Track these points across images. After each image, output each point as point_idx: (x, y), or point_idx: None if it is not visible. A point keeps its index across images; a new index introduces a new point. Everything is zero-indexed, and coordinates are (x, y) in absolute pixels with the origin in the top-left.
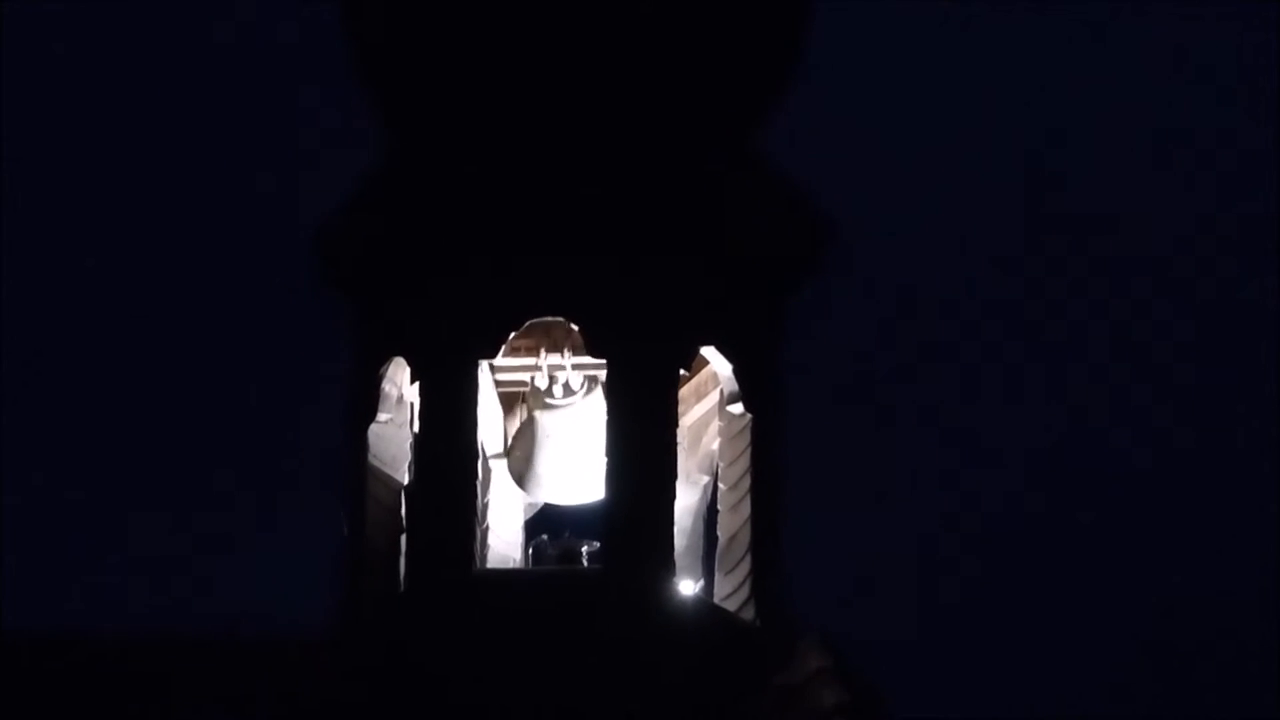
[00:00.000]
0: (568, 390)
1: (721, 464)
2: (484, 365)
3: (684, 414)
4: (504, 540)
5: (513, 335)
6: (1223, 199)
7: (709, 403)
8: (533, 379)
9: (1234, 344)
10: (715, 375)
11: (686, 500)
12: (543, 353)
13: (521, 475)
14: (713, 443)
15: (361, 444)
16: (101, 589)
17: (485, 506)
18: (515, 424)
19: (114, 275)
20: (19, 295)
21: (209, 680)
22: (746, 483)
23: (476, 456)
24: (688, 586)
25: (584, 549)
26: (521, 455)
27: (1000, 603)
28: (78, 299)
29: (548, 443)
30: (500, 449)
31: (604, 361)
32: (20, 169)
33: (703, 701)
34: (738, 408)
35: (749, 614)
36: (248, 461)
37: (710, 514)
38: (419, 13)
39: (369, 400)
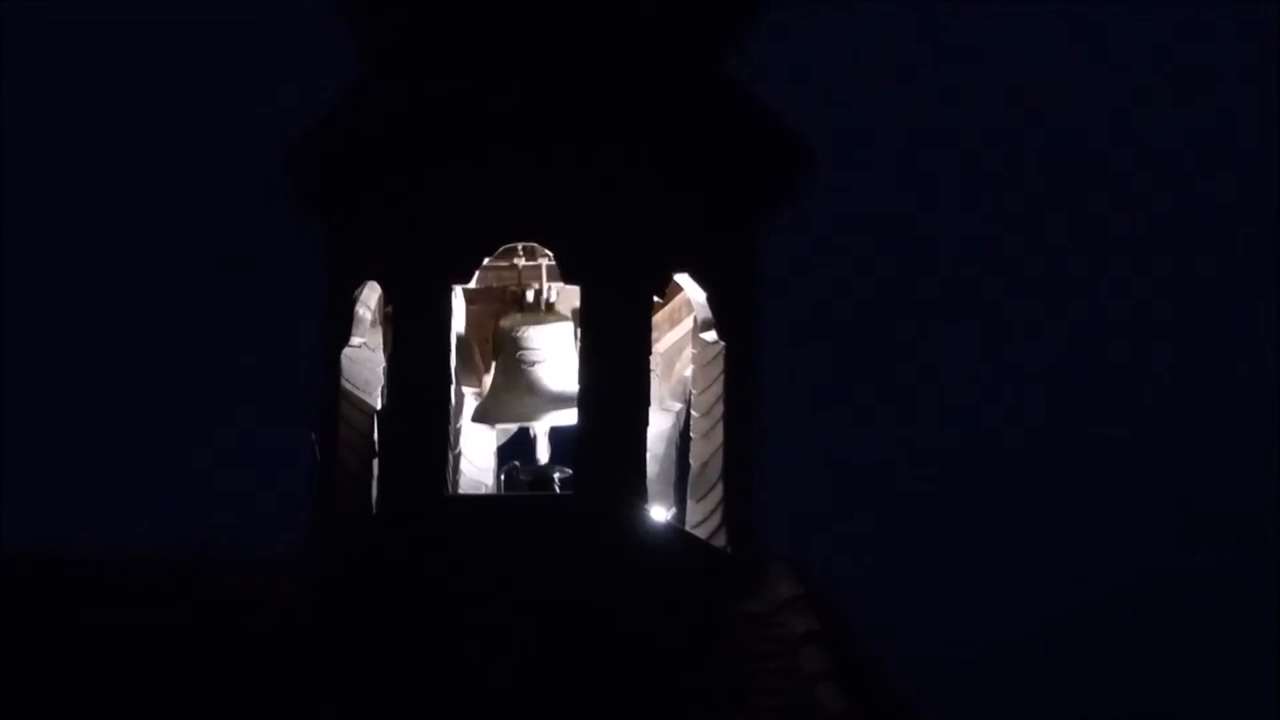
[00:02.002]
0: (549, 308)
1: (695, 391)
2: (457, 290)
3: (657, 340)
4: (476, 466)
5: (487, 261)
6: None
7: (682, 329)
8: (509, 289)
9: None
10: (689, 302)
11: (659, 427)
12: (519, 265)
13: (495, 396)
14: (686, 370)
15: (335, 368)
16: (75, 508)
17: (458, 432)
18: (489, 348)
19: (100, 204)
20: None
21: (181, 598)
22: (719, 410)
23: (450, 382)
24: (659, 513)
25: (556, 475)
26: (496, 376)
27: (977, 529)
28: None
29: (522, 363)
30: (473, 374)
31: (577, 289)
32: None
33: (672, 629)
34: (711, 335)
35: (720, 541)
36: (221, 384)
37: (683, 441)
38: None
39: (342, 324)
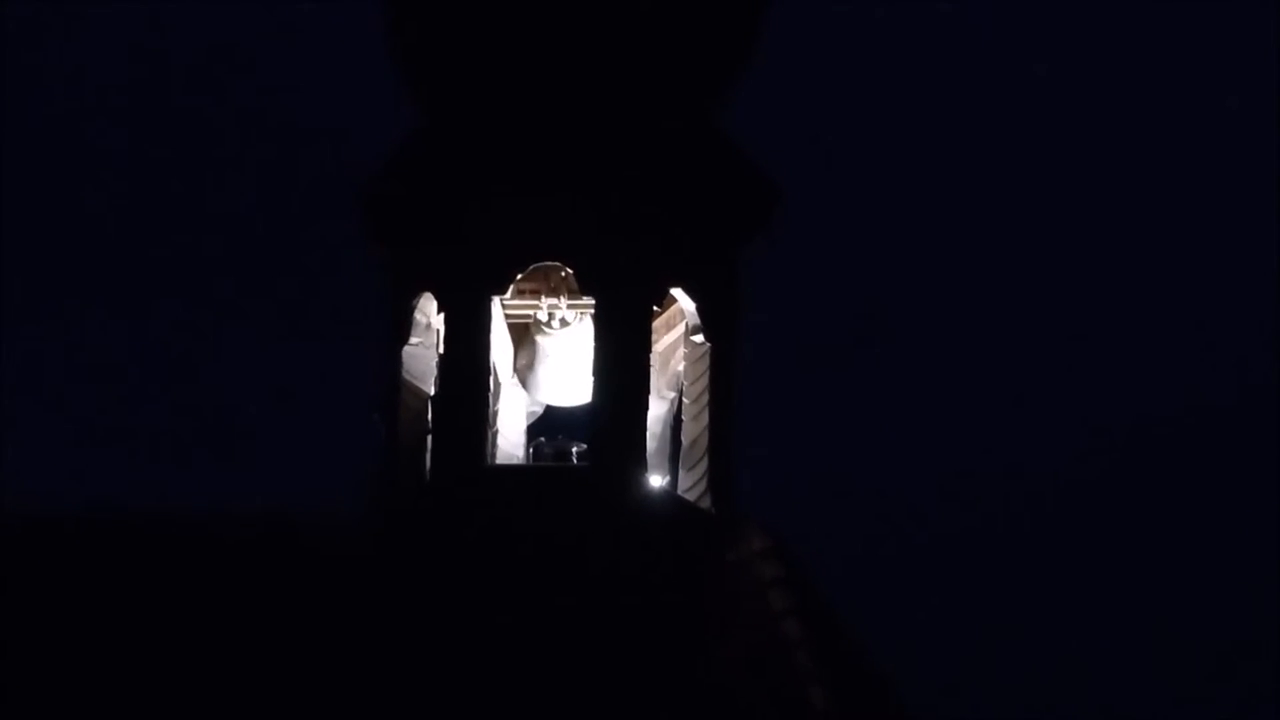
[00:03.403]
0: (563, 323)
1: (686, 382)
2: (496, 300)
3: (656, 342)
4: (510, 442)
5: (520, 277)
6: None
7: (676, 333)
8: (535, 314)
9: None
10: (682, 311)
11: (657, 411)
12: (543, 297)
13: (525, 382)
14: (679, 365)
15: (397, 362)
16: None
17: (495, 414)
18: (522, 347)
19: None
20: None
21: (268, 552)
22: (705, 398)
23: (488, 373)
24: (657, 480)
25: (574, 449)
26: (525, 367)
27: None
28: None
29: (547, 358)
30: (509, 367)
31: (592, 300)
32: None
33: (667, 574)
34: (699, 337)
35: (706, 504)
36: (304, 376)
37: (676, 423)
38: (446, 22)
39: (403, 327)
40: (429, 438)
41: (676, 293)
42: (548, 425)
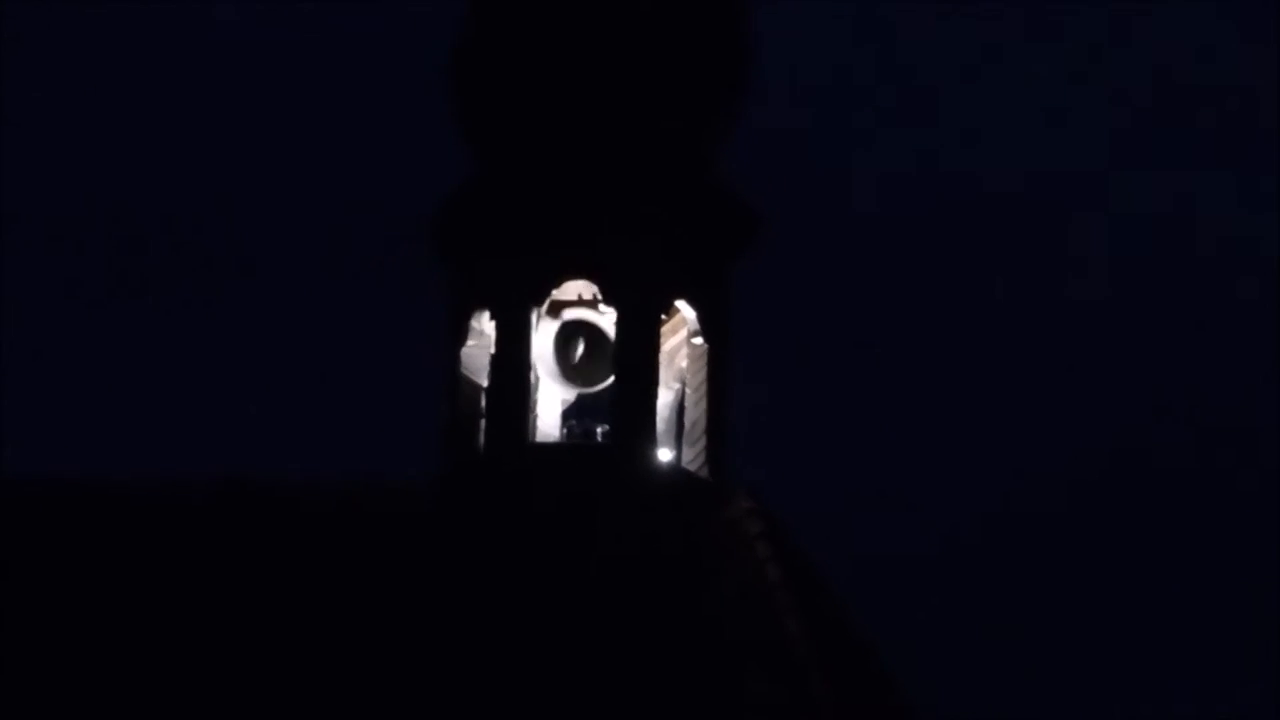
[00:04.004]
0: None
1: (688, 375)
2: (535, 310)
3: (665, 342)
4: (547, 424)
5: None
6: None
7: (681, 336)
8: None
9: None
10: (684, 318)
11: (665, 399)
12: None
13: (559, 374)
14: (682, 362)
15: (457, 360)
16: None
17: (535, 401)
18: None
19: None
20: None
21: (348, 514)
22: (704, 389)
23: (529, 369)
24: (664, 455)
25: (598, 430)
26: (562, 362)
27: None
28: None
29: (577, 355)
30: (547, 364)
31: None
32: None
33: (672, 530)
34: (699, 339)
35: (704, 474)
36: (379, 373)
37: (680, 409)
38: (500, 96)
39: (462, 332)
40: (482, 421)
41: (680, 304)
42: (578, 410)
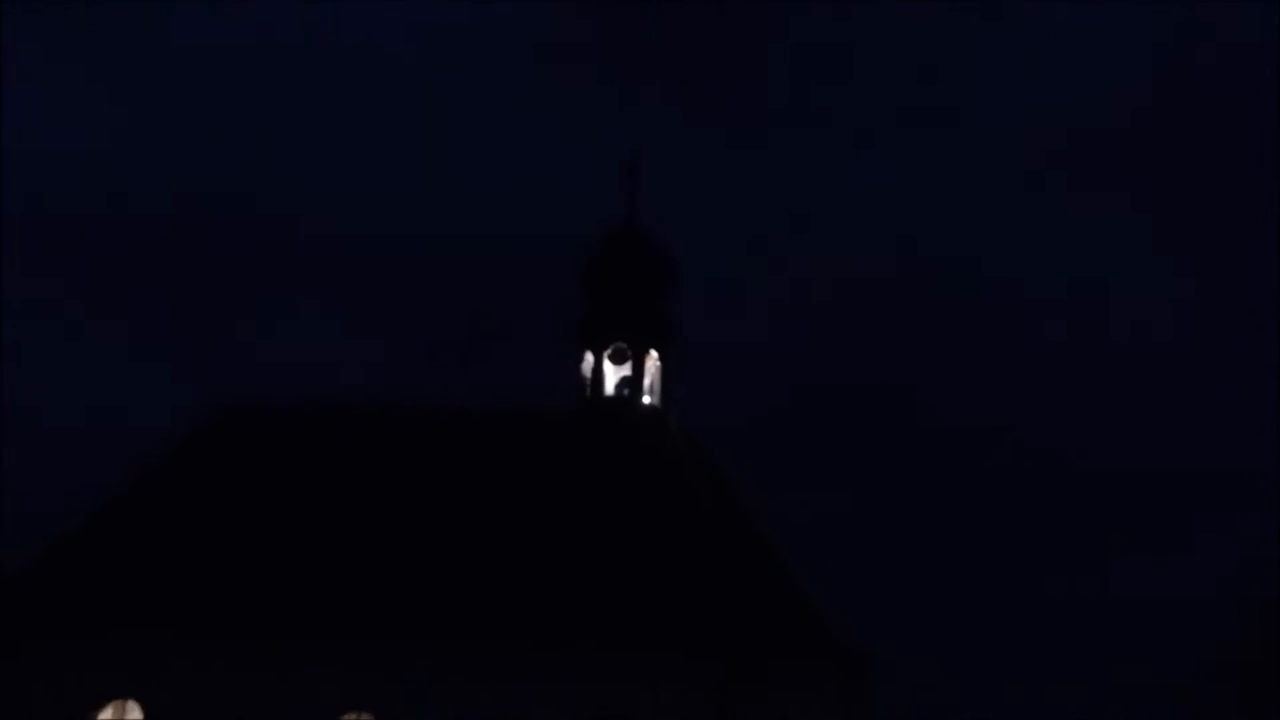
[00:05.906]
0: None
1: (656, 375)
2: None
3: (647, 364)
4: (609, 393)
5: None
6: None
7: (654, 362)
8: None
9: None
10: (654, 356)
11: (646, 383)
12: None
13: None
14: (655, 370)
15: (580, 371)
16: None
17: (603, 383)
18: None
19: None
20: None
21: (489, 439)
22: (659, 381)
23: (604, 374)
24: (646, 401)
25: (625, 394)
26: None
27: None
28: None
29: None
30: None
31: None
32: None
33: (641, 438)
34: (659, 362)
35: (666, 414)
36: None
37: (653, 391)
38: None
39: (583, 356)
40: (588, 391)
41: (652, 352)
42: (621, 384)
